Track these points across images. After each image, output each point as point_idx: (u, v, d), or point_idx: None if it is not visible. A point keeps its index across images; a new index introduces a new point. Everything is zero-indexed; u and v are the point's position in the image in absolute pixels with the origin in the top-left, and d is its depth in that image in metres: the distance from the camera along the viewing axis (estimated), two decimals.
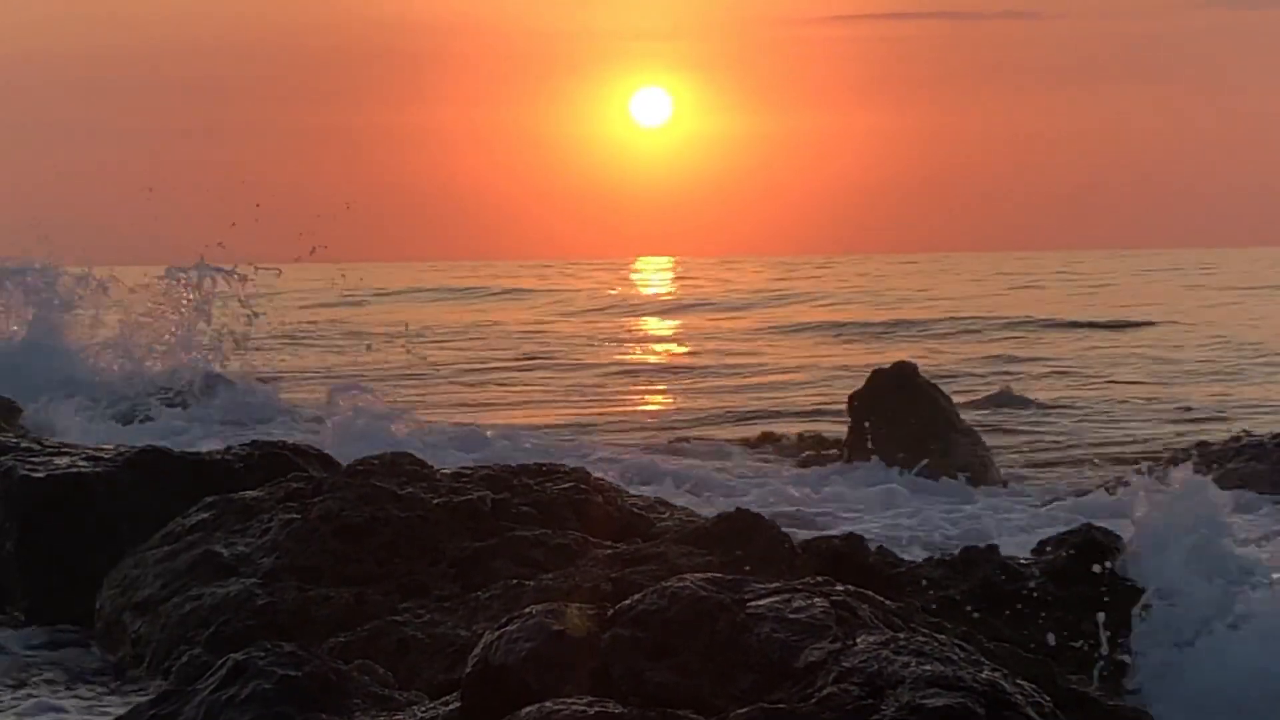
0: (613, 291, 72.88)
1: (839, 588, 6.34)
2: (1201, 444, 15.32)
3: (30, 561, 10.91)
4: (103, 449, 12.09)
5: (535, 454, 17.78)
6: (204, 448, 13.42)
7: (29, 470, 11.19)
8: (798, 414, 25.50)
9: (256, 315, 23.56)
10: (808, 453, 19.34)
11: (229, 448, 12.23)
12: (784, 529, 9.32)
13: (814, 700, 5.55)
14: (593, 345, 42.58)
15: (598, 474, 11.29)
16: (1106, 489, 14.99)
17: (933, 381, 18.80)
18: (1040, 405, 25.83)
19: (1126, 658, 7.94)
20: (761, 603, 6.11)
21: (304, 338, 42.68)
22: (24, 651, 10.13)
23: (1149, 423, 23.78)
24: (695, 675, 5.90)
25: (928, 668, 5.55)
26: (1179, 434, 21.52)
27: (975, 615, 8.22)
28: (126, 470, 11.29)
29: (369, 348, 36.11)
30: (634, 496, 11.18)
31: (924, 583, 8.66)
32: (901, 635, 5.88)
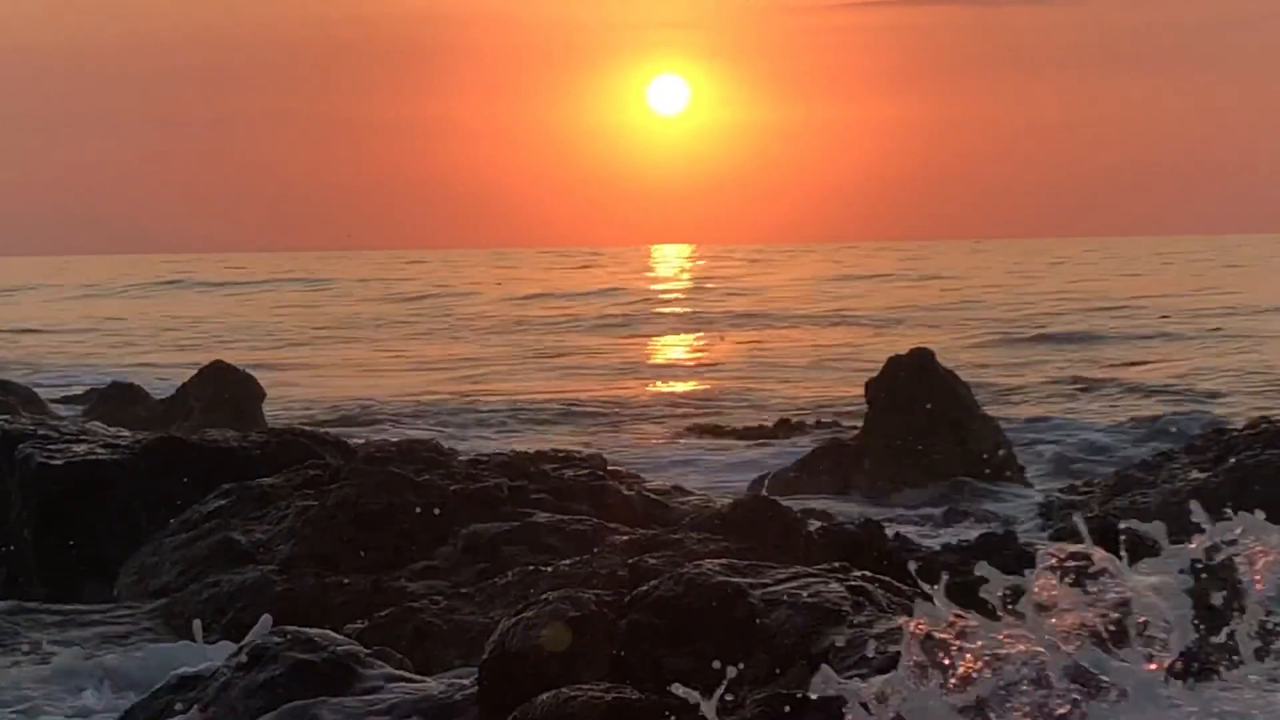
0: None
1: (856, 573, 6.34)
2: (1219, 430, 15.24)
3: (48, 548, 10.92)
4: (120, 436, 12.10)
5: None
6: None
7: (46, 457, 11.20)
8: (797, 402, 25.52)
9: None
10: (827, 437, 19.31)
11: (246, 435, 12.24)
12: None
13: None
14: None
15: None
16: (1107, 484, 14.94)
17: (951, 369, 18.76)
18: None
19: None
20: (778, 588, 6.10)
21: None
22: (41, 638, 10.15)
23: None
24: (712, 661, 5.89)
25: None
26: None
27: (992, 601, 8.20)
28: (144, 457, 11.30)
29: None
30: (651, 483, 11.18)
31: (942, 569, 8.64)
32: None
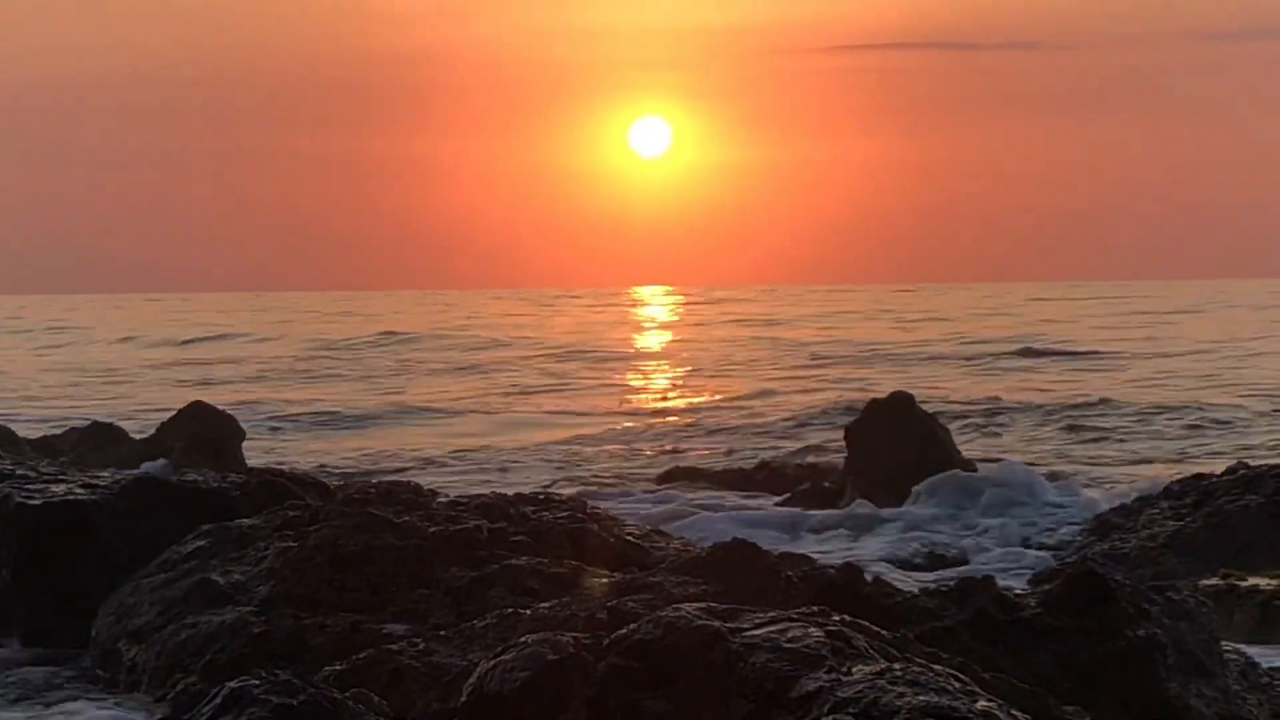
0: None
1: (834, 618, 6.34)
2: (1198, 476, 15.28)
3: (27, 588, 10.89)
4: (99, 476, 12.08)
5: None
6: None
7: (25, 497, 11.18)
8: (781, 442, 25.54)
9: None
10: (805, 485, 19.31)
11: (225, 475, 12.23)
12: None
13: None
14: None
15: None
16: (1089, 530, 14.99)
17: (930, 413, 18.79)
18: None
19: None
20: (757, 632, 6.10)
21: None
22: (20, 679, 10.12)
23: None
24: (690, 704, 5.89)
25: (923, 698, 5.55)
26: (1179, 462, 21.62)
27: (971, 646, 8.20)
28: (123, 498, 11.28)
29: None
30: (630, 526, 11.18)
31: (920, 613, 8.64)
32: (897, 665, 5.88)
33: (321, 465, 22.93)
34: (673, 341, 59.95)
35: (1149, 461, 22.64)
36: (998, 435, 26.45)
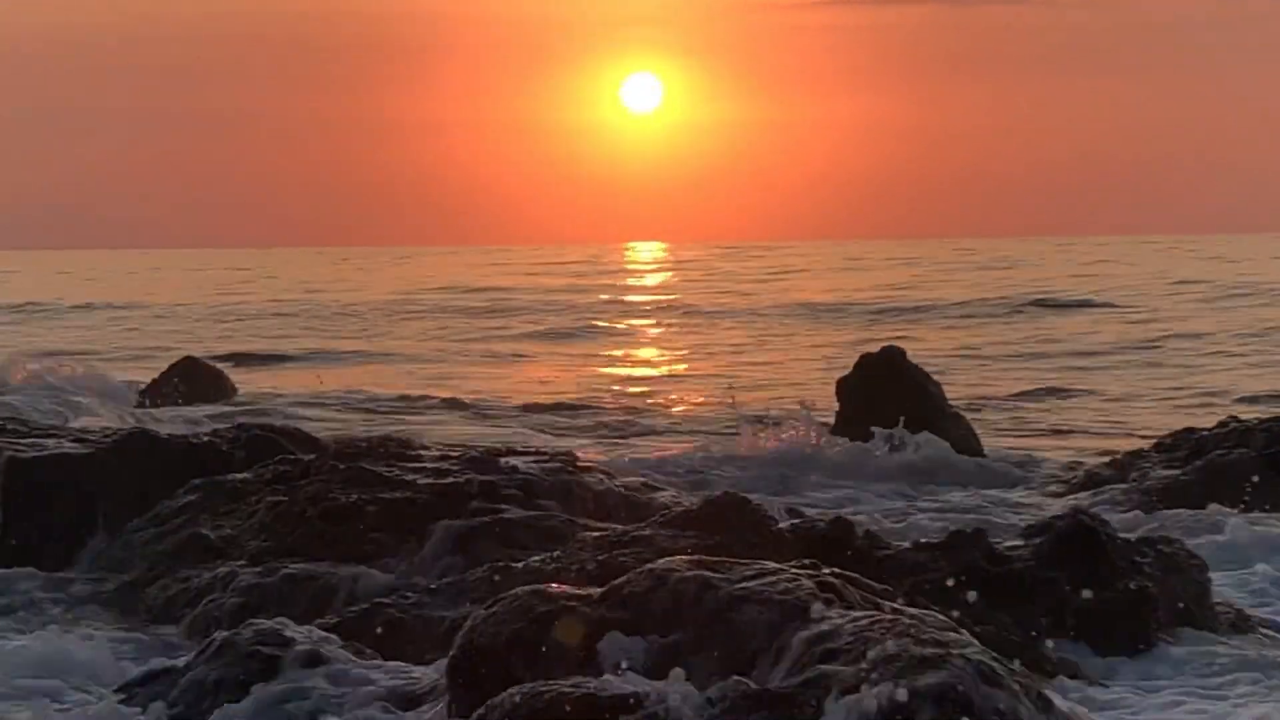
0: None
1: (825, 570, 6.35)
2: (1186, 430, 15.30)
3: (17, 542, 10.88)
4: (89, 431, 12.07)
5: None
6: None
7: (16, 451, 11.16)
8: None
9: None
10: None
11: (216, 430, 12.22)
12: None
13: (799, 680, 5.56)
14: None
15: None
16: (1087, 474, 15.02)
17: (921, 367, 18.79)
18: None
19: None
20: (748, 584, 6.11)
21: None
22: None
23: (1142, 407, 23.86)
24: (681, 656, 5.90)
25: (914, 648, 5.56)
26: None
27: (962, 598, 8.21)
28: (114, 453, 11.26)
29: None
30: (621, 479, 11.17)
31: (911, 566, 8.65)
32: (887, 616, 5.89)
33: None
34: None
35: None
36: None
